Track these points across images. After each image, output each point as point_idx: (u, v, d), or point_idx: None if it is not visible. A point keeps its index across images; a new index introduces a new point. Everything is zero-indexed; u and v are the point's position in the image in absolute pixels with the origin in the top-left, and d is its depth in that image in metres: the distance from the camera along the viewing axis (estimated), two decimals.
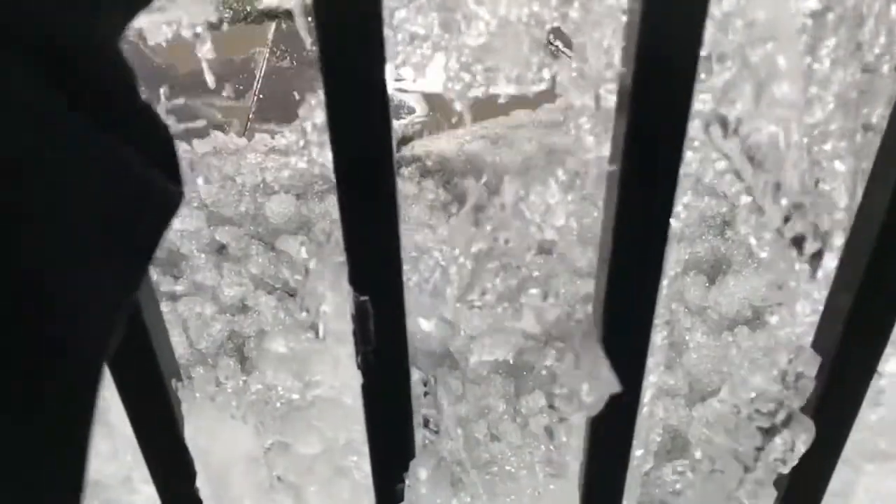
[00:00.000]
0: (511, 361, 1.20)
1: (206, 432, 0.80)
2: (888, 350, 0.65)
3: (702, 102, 0.55)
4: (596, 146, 0.55)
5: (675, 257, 0.61)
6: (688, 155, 0.55)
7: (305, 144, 0.54)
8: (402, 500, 0.78)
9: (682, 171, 0.55)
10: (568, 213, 0.59)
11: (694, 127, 0.54)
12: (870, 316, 0.64)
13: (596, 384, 0.61)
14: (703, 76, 0.53)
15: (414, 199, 1.58)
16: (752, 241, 0.62)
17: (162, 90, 1.49)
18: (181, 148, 1.64)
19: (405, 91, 2.16)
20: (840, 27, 0.54)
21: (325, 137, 0.54)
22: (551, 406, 1.09)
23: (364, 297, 0.61)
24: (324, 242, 1.40)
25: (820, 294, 0.66)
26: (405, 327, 0.64)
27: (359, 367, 0.66)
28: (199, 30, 0.72)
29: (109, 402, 0.72)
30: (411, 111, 2.12)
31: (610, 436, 0.72)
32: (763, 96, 0.54)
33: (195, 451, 0.78)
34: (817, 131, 0.58)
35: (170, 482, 0.80)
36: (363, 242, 0.59)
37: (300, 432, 0.91)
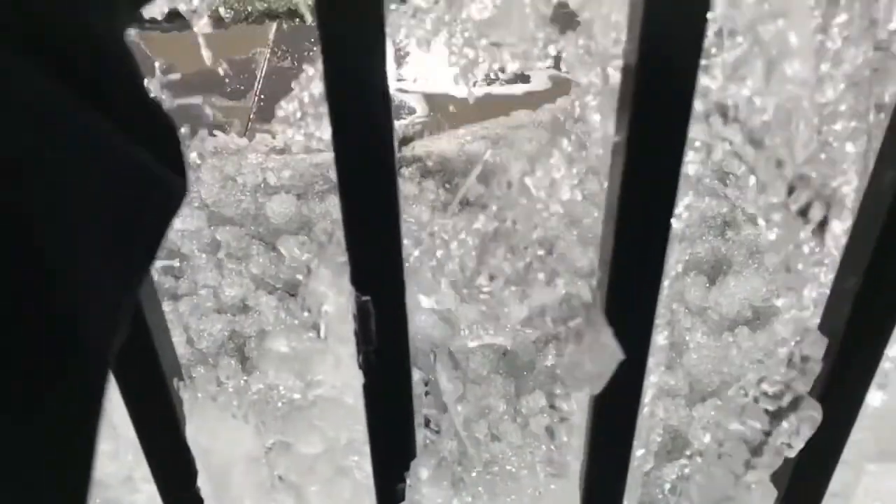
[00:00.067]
0: (508, 348, 1.20)
1: (207, 432, 0.80)
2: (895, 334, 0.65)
3: (711, 78, 0.54)
4: (602, 124, 0.54)
5: (675, 258, 0.61)
6: (689, 155, 0.55)
7: (303, 115, 0.53)
8: (403, 499, 0.78)
9: (683, 171, 0.55)
10: (572, 186, 0.58)
11: (694, 126, 0.54)
12: (877, 298, 0.64)
13: (599, 352, 0.59)
14: (713, 51, 0.52)
15: (415, 199, 1.58)
16: (761, 221, 0.61)
17: (163, 90, 1.49)
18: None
19: (406, 91, 2.16)
20: (853, 3, 0.53)
21: (322, 109, 0.53)
22: (552, 406, 1.09)
23: (366, 297, 0.61)
24: (325, 242, 1.40)
25: (826, 278, 0.65)
26: (407, 327, 0.65)
27: (360, 366, 0.66)
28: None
29: (111, 401, 0.72)
30: (412, 111, 2.12)
31: (611, 436, 0.72)
32: (774, 74, 0.53)
33: (196, 450, 0.78)
34: (828, 111, 0.57)
35: (171, 481, 0.80)
36: (365, 243, 0.59)
37: (301, 432, 0.91)
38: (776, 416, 0.71)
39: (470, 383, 1.20)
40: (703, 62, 0.50)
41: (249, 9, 2.49)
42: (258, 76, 2.30)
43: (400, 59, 2.26)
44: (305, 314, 0.72)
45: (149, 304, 0.66)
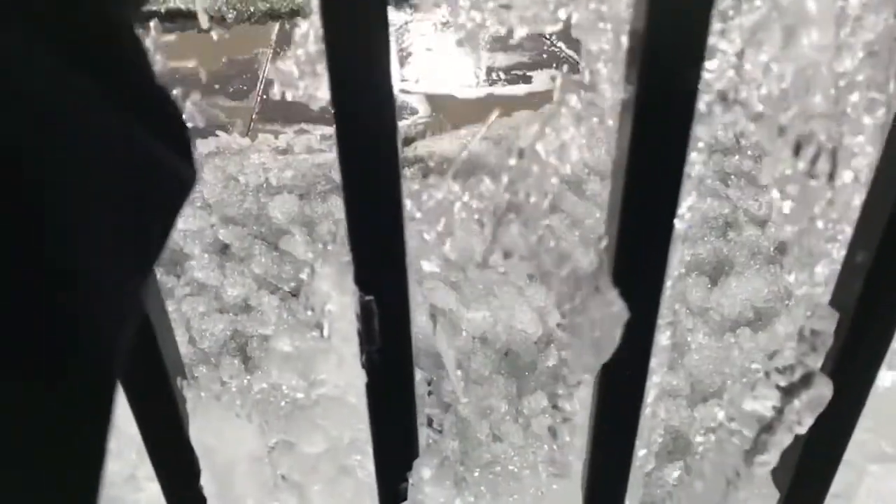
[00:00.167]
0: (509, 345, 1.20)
1: (210, 431, 0.80)
2: None
3: (729, 42, 0.52)
4: (612, 92, 0.53)
5: (678, 258, 0.60)
6: (691, 156, 0.55)
7: (300, 75, 0.52)
8: (405, 499, 0.78)
9: (685, 172, 0.55)
10: (580, 147, 0.56)
11: (695, 124, 0.53)
12: (889, 274, 0.63)
13: (605, 312, 0.58)
14: (730, 13, 0.51)
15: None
16: (775, 193, 0.59)
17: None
18: None
19: (408, 92, 2.17)
20: None
21: (320, 67, 0.51)
22: (554, 406, 1.09)
23: (369, 297, 0.61)
24: (328, 242, 1.40)
25: (839, 254, 0.64)
26: (410, 327, 0.65)
27: (363, 366, 0.66)
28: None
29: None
30: (414, 112, 2.13)
31: (613, 436, 0.72)
32: (792, 40, 0.52)
33: (200, 449, 0.78)
34: (845, 81, 0.55)
35: (174, 480, 0.80)
36: (368, 242, 0.59)
37: (304, 431, 0.91)
38: (788, 393, 0.69)
39: (472, 384, 1.20)
40: (720, 26, 0.49)
41: (252, 9, 2.50)
42: (261, 76, 2.30)
43: (402, 60, 2.26)
44: (308, 313, 0.73)
45: (152, 303, 0.67)
